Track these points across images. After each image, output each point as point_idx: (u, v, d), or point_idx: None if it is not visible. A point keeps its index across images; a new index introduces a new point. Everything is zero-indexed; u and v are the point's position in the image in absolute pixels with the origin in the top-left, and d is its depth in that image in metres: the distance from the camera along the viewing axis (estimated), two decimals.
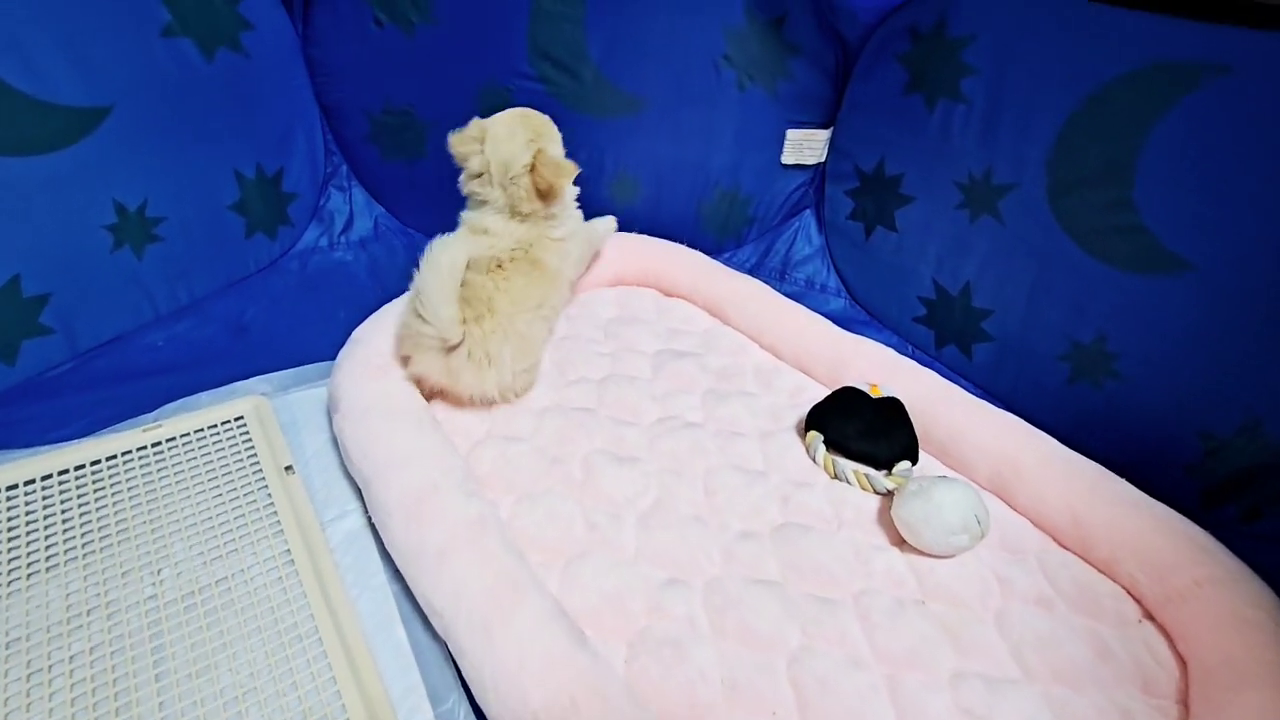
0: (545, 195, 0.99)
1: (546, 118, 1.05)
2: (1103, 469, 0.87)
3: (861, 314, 1.34)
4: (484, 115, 1.27)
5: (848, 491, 0.91)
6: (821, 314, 1.22)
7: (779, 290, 1.30)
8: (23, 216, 0.91)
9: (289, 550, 0.78)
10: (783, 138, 1.31)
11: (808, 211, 1.41)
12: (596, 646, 0.66)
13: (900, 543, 0.84)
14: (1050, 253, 1.00)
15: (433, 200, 1.37)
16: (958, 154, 1.08)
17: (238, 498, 0.84)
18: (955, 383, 1.05)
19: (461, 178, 1.02)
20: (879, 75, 1.16)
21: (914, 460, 0.94)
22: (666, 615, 0.73)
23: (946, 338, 1.21)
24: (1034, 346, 1.07)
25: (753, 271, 1.41)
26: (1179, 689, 0.71)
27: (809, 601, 0.76)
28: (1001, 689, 0.69)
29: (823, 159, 1.33)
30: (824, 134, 1.30)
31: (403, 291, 1.12)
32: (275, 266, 1.26)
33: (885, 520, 0.86)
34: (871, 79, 1.18)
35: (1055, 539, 0.86)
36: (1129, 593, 0.80)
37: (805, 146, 1.31)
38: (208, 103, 1.08)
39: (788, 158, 1.33)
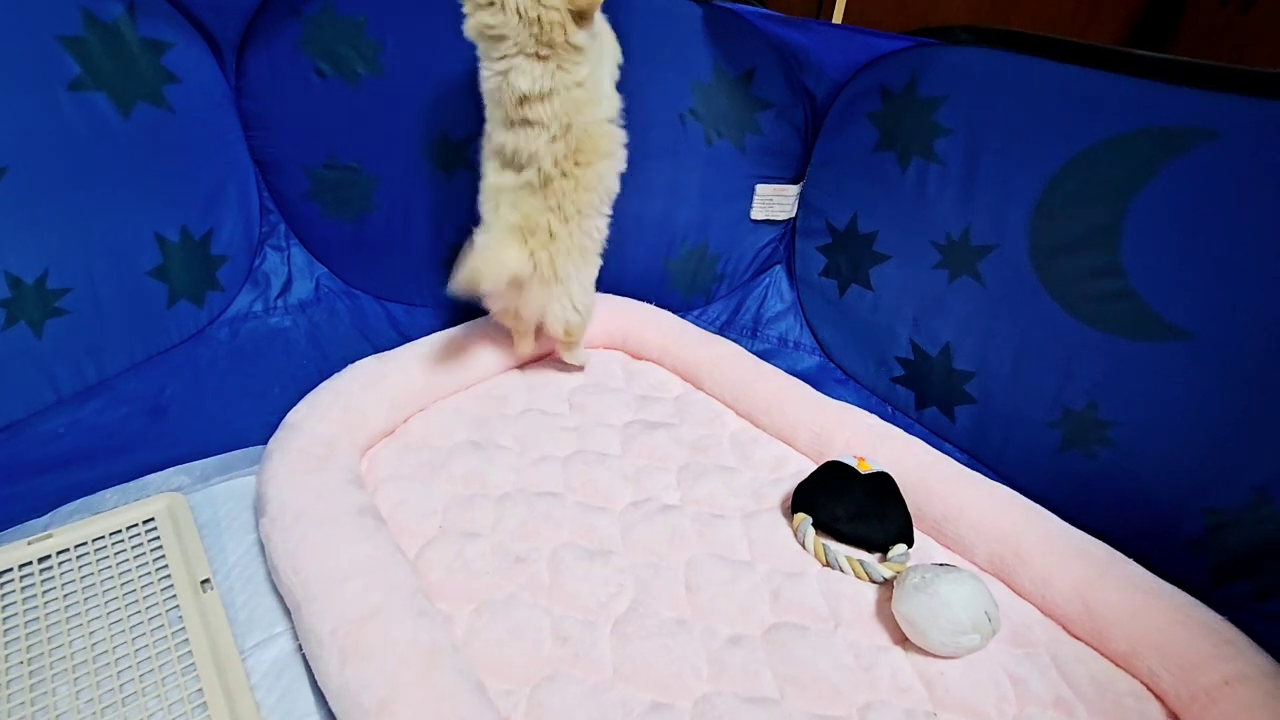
0: (582, 15, 0.83)
1: None
2: (1111, 550, 0.82)
3: (837, 373, 1.29)
4: (438, 170, 1.20)
5: (842, 581, 0.83)
6: (796, 372, 1.17)
7: (751, 348, 1.24)
8: None
9: (201, 691, 0.66)
10: (751, 193, 1.26)
11: (779, 267, 1.36)
12: None
13: (903, 640, 0.76)
14: (1035, 316, 0.96)
15: (380, 259, 1.28)
16: (934, 214, 1.05)
17: (142, 624, 0.72)
18: (939, 447, 1.00)
19: (468, 23, 0.85)
20: (849, 132, 1.13)
21: (909, 542, 0.87)
22: None
23: (927, 399, 1.16)
24: (1021, 411, 1.02)
25: (723, 329, 1.35)
26: None
27: None
28: None
29: (793, 214, 1.29)
30: (794, 189, 1.26)
31: (346, 362, 1.02)
32: (201, 336, 1.13)
33: (885, 615, 0.79)
34: (841, 136, 1.15)
35: (1065, 628, 0.80)
36: (1150, 689, 0.73)
37: (775, 202, 1.27)
38: (124, 162, 0.97)
39: (757, 213, 1.28)
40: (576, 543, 0.85)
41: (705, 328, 1.31)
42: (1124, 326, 0.87)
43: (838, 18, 1.46)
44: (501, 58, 0.86)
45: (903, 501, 0.89)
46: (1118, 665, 0.76)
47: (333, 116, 1.12)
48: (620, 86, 1.14)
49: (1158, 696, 0.73)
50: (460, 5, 0.86)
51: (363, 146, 1.15)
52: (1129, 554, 0.82)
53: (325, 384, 0.96)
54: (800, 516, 0.89)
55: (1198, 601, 0.76)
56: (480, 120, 1.13)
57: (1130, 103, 0.79)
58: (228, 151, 1.11)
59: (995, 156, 0.94)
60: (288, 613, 0.73)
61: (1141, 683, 0.74)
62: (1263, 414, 0.77)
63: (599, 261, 1.06)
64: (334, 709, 0.62)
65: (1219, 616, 0.74)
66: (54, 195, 0.90)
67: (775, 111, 1.16)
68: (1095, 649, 0.77)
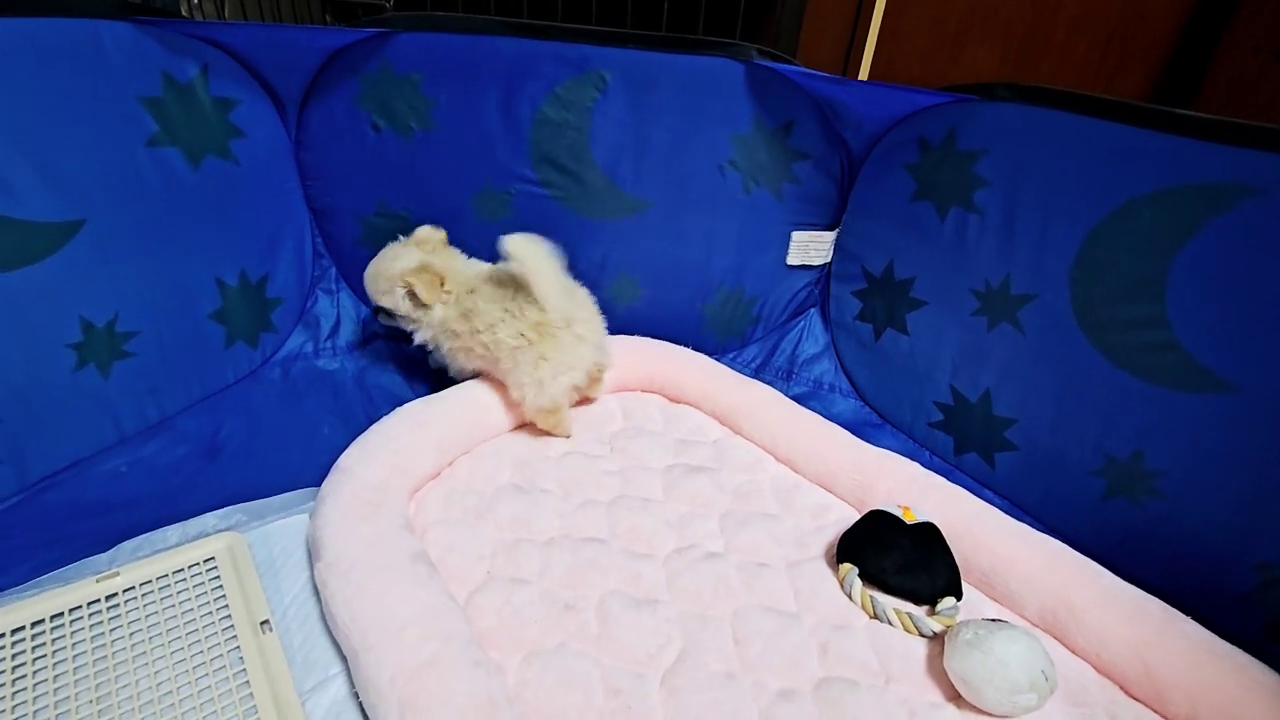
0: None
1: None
2: (1168, 608, 0.80)
3: (874, 417, 1.29)
4: (481, 218, 1.24)
5: (891, 635, 0.82)
6: (832, 415, 1.17)
7: (787, 391, 1.26)
8: None
9: None
10: (788, 239, 1.29)
11: (814, 310, 1.37)
12: None
13: (956, 698, 0.75)
14: (1077, 364, 0.96)
15: None
16: (973, 262, 1.06)
17: (204, 663, 0.73)
18: (979, 494, 0.99)
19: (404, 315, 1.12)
20: (885, 183, 1.15)
21: (958, 595, 0.86)
22: None
23: (967, 445, 1.15)
24: (1064, 459, 1.02)
25: (759, 371, 1.37)
26: None
27: None
28: None
29: (828, 259, 1.31)
30: (829, 235, 1.28)
31: (391, 403, 1.05)
32: (255, 376, 1.17)
33: (937, 670, 0.78)
34: (878, 185, 1.17)
35: (1123, 688, 0.78)
36: None
37: (811, 248, 1.29)
38: (191, 212, 1.02)
39: (793, 259, 1.31)
40: (623, 590, 0.85)
41: (741, 370, 1.32)
42: (1169, 377, 0.87)
43: (864, 73, 1.50)
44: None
45: (950, 553, 0.89)
46: None
47: (385, 168, 1.17)
48: (662, 140, 1.18)
49: None
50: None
51: (412, 196, 1.20)
52: (1179, 608, 0.81)
53: (375, 427, 0.99)
54: (846, 567, 0.89)
55: (1262, 664, 0.74)
56: (530, 168, 1.18)
57: (1171, 159, 0.80)
58: (285, 200, 1.16)
59: (1035, 208, 0.95)
60: (343, 656, 0.74)
61: None
62: None
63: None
64: None
65: None
66: (127, 244, 0.95)
67: (813, 162, 1.19)
68: (1155, 710, 0.76)
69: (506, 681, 0.72)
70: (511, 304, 1.04)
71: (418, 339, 1.14)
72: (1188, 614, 0.80)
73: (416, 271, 1.06)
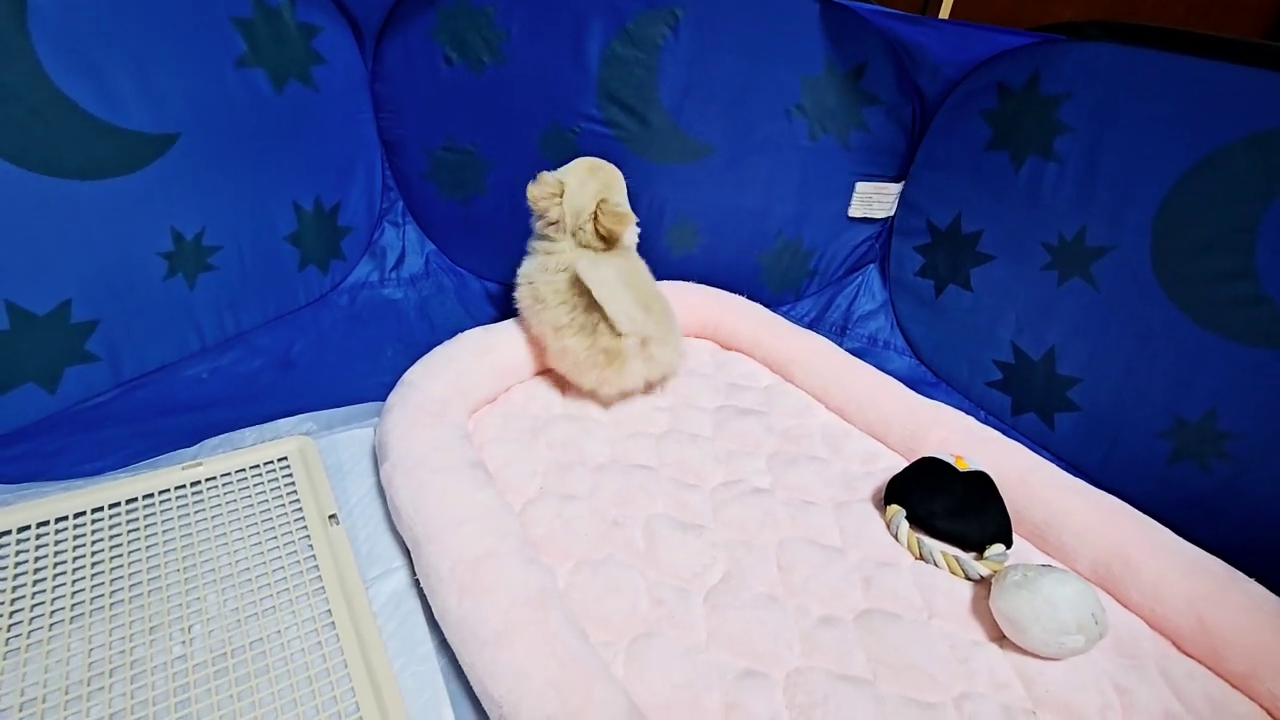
0: (607, 239, 1.04)
1: (614, 169, 1.07)
2: (1229, 567, 0.78)
3: (928, 375, 1.27)
4: (546, 157, 1.25)
5: (936, 576, 0.82)
6: (886, 373, 1.15)
7: (841, 346, 1.24)
8: (81, 241, 0.88)
9: (330, 612, 0.72)
10: (851, 190, 1.26)
11: (871, 266, 1.35)
12: None
13: (1000, 638, 0.75)
14: (1152, 320, 0.93)
15: (485, 240, 1.35)
16: (1046, 214, 1.02)
17: (278, 549, 0.78)
18: (1044, 458, 0.97)
19: (537, 223, 1.07)
20: (959, 131, 1.12)
21: (1008, 544, 0.85)
22: (748, 715, 0.65)
23: (1025, 405, 1.13)
24: (1129, 420, 0.99)
25: (812, 326, 1.35)
26: None
27: (905, 705, 0.67)
28: None
29: (891, 213, 1.29)
30: (895, 188, 1.25)
31: (452, 332, 1.08)
32: (324, 300, 1.22)
33: (982, 611, 0.78)
34: (951, 135, 1.14)
35: (1176, 644, 0.77)
36: (1272, 715, 0.70)
37: (875, 200, 1.27)
38: (273, 134, 1.06)
39: (855, 211, 1.28)
40: (670, 514, 0.87)
41: (795, 324, 1.31)
42: (1252, 332, 0.83)
43: (945, 11, 1.44)
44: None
45: (1002, 502, 0.87)
46: (1234, 686, 0.72)
47: (456, 102, 1.19)
48: (730, 82, 1.17)
49: None
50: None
51: (481, 131, 1.22)
52: (1244, 572, 0.78)
53: (438, 349, 1.02)
54: (894, 508, 0.89)
55: None
56: (596, 107, 1.18)
57: (1271, 99, 0.76)
58: (359, 130, 1.20)
59: (1119, 155, 0.92)
60: (405, 551, 0.79)
61: (1262, 707, 0.70)
62: None
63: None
64: (451, 640, 0.66)
65: None
66: (215, 161, 1.00)
67: (884, 109, 1.16)
68: (1209, 668, 0.74)
69: (557, 582, 0.75)
70: (584, 317, 0.99)
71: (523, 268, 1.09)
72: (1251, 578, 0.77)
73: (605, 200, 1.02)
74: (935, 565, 0.83)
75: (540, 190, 1.02)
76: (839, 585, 0.80)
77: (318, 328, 1.17)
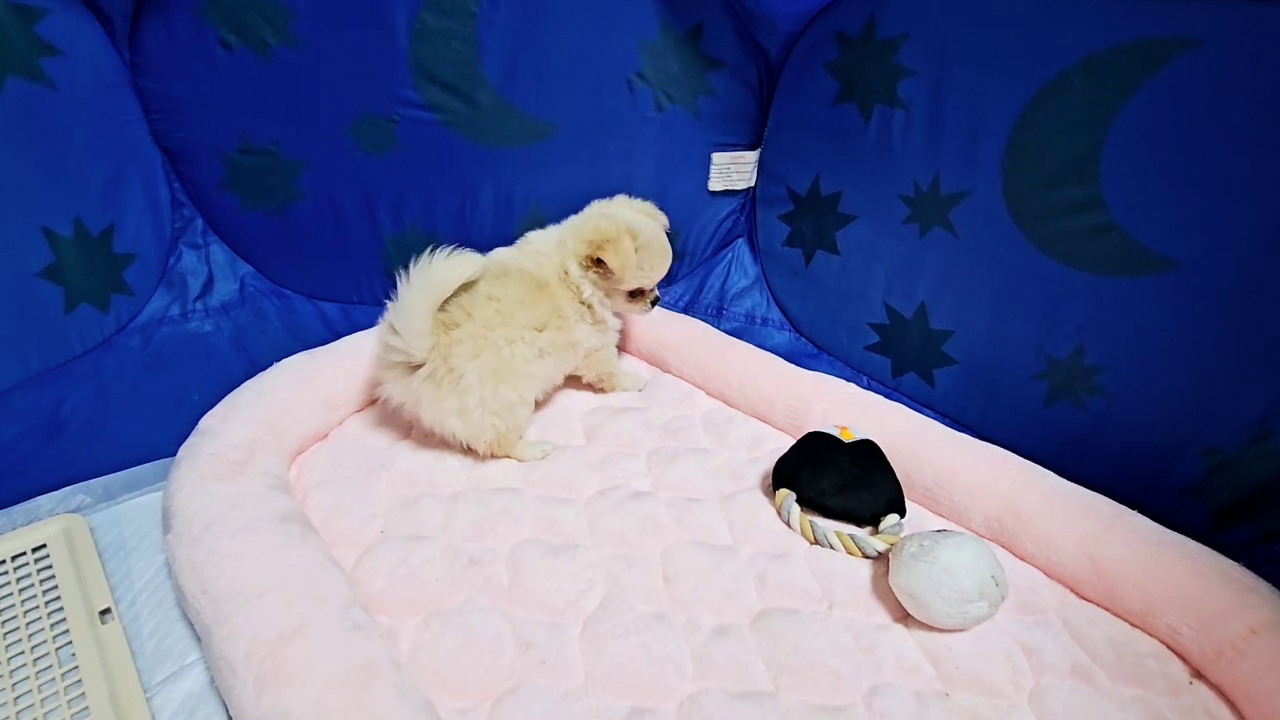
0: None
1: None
2: (1116, 504, 0.76)
3: (809, 347, 1.23)
4: (364, 150, 1.09)
5: (833, 559, 0.76)
6: (766, 349, 1.10)
7: (718, 328, 1.18)
8: None
9: None
10: (708, 162, 1.20)
11: (740, 241, 1.29)
12: None
13: (905, 617, 0.69)
14: (1013, 262, 0.91)
15: (310, 253, 1.17)
16: (900, 165, 0.99)
17: (26, 665, 0.61)
18: (920, 414, 0.94)
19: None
20: (806, 89, 1.07)
21: (902, 512, 0.80)
22: None
23: (905, 365, 1.10)
24: (1004, 367, 0.97)
25: (687, 310, 1.28)
26: None
27: (812, 714, 0.59)
28: None
29: (752, 183, 1.23)
30: (752, 155, 1.19)
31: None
32: (108, 345, 1.01)
33: (883, 591, 0.72)
34: (798, 94, 1.09)
35: (1074, 589, 0.74)
36: (1171, 649, 0.68)
37: (733, 170, 1.21)
38: None
39: (715, 184, 1.22)
40: (539, 538, 0.76)
41: (668, 310, 1.23)
42: (1108, 263, 0.82)
43: None
44: None
45: (891, 469, 0.82)
46: (1134, 625, 0.70)
47: (243, 95, 1.02)
48: (562, 52, 1.07)
49: (1180, 655, 0.67)
50: None
51: (279, 126, 1.05)
52: (1127, 505, 0.77)
53: (248, 383, 0.86)
54: (783, 493, 0.82)
55: (1210, 549, 0.71)
56: (412, 89, 1.04)
57: (1104, 16, 0.74)
58: (126, 135, 1.00)
59: (963, 94, 0.89)
60: (200, 639, 0.63)
61: (1161, 642, 0.68)
62: (1258, 340, 0.72)
63: (522, 400, 0.87)
64: None
65: (1234, 564, 0.69)
66: None
67: (728, 71, 1.10)
68: (1108, 609, 0.71)
69: (398, 647, 0.62)
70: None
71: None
72: (1141, 514, 0.76)
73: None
74: (831, 548, 0.77)
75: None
76: (731, 588, 0.71)
77: (98, 378, 0.97)
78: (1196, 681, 0.65)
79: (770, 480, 0.85)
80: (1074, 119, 0.79)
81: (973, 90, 0.87)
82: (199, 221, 1.12)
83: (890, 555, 0.71)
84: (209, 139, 1.05)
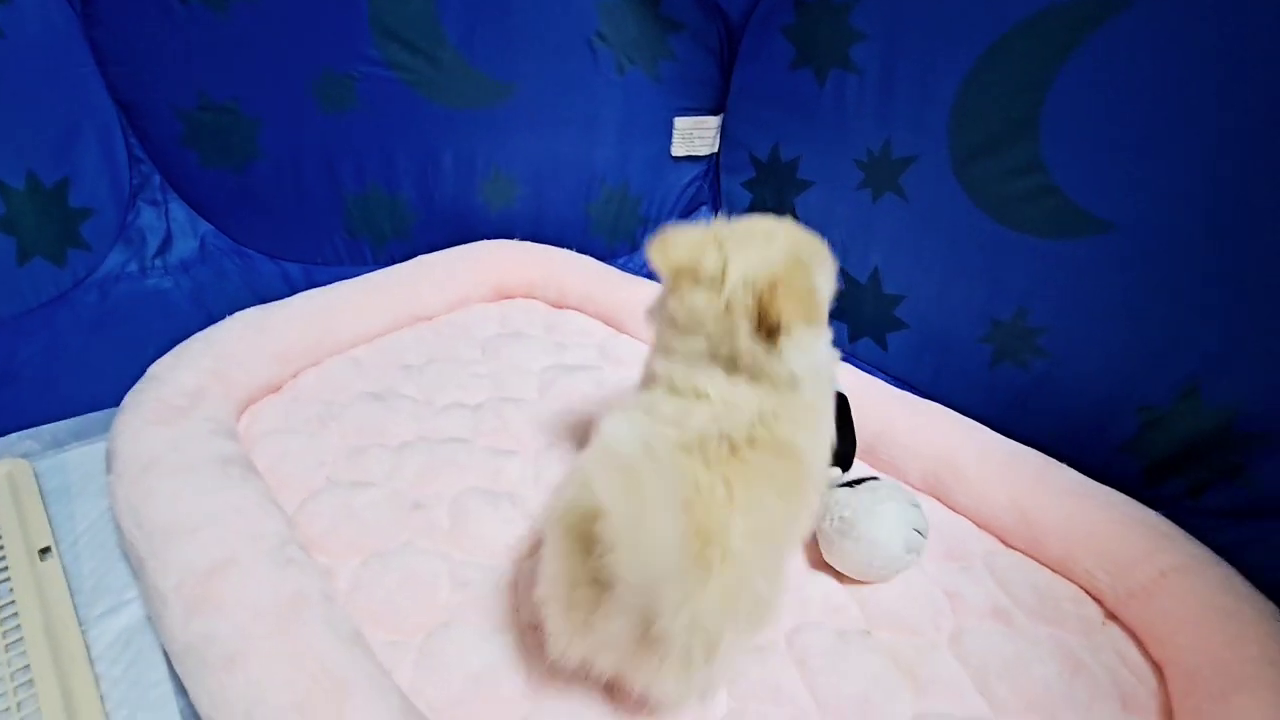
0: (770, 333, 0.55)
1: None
2: (1047, 458, 0.78)
3: None
4: (325, 110, 1.09)
5: None
6: None
7: None
8: None
9: (29, 667, 0.57)
10: (671, 127, 1.20)
11: (704, 208, 1.30)
12: None
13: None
14: (960, 226, 0.92)
15: (271, 212, 1.17)
16: (854, 130, 1.00)
17: None
18: (874, 377, 0.96)
19: (649, 310, 0.64)
20: (765, 53, 1.08)
21: (845, 468, 0.81)
22: (552, 695, 0.56)
23: (860, 330, 1.11)
24: (952, 330, 0.99)
25: (651, 276, 1.29)
26: (1160, 701, 0.61)
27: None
28: None
29: (715, 149, 1.24)
30: (714, 121, 1.20)
31: None
32: (64, 299, 1.01)
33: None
34: (759, 57, 1.09)
35: (1002, 539, 0.76)
36: (1088, 593, 0.70)
37: (696, 136, 1.21)
38: None
39: (678, 149, 1.22)
40: (483, 486, 0.77)
41: (631, 275, 1.24)
42: (1048, 226, 0.83)
43: None
44: None
45: (850, 424, 0.83)
46: (1055, 571, 0.72)
47: (201, 49, 1.01)
48: (518, 10, 1.06)
49: (1095, 598, 0.70)
50: None
51: (238, 83, 1.05)
52: (1064, 463, 0.79)
53: (199, 334, 0.87)
54: None
55: (1131, 499, 0.73)
56: (372, 45, 1.04)
57: None
58: (79, 88, 0.99)
59: (912, 58, 0.90)
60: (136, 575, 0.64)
61: (1079, 586, 0.71)
62: (1190, 300, 0.74)
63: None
64: (178, 670, 0.53)
65: (1153, 512, 0.72)
66: None
67: (688, 34, 1.10)
68: (1033, 557, 0.74)
69: (334, 584, 0.63)
70: None
71: None
72: (1083, 472, 0.78)
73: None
74: None
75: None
76: None
77: (53, 331, 0.97)
78: (1109, 623, 0.68)
79: None
80: (1016, 81, 0.80)
81: (922, 53, 0.88)
82: (157, 177, 1.12)
83: (817, 532, 0.69)
84: (166, 94, 1.04)
